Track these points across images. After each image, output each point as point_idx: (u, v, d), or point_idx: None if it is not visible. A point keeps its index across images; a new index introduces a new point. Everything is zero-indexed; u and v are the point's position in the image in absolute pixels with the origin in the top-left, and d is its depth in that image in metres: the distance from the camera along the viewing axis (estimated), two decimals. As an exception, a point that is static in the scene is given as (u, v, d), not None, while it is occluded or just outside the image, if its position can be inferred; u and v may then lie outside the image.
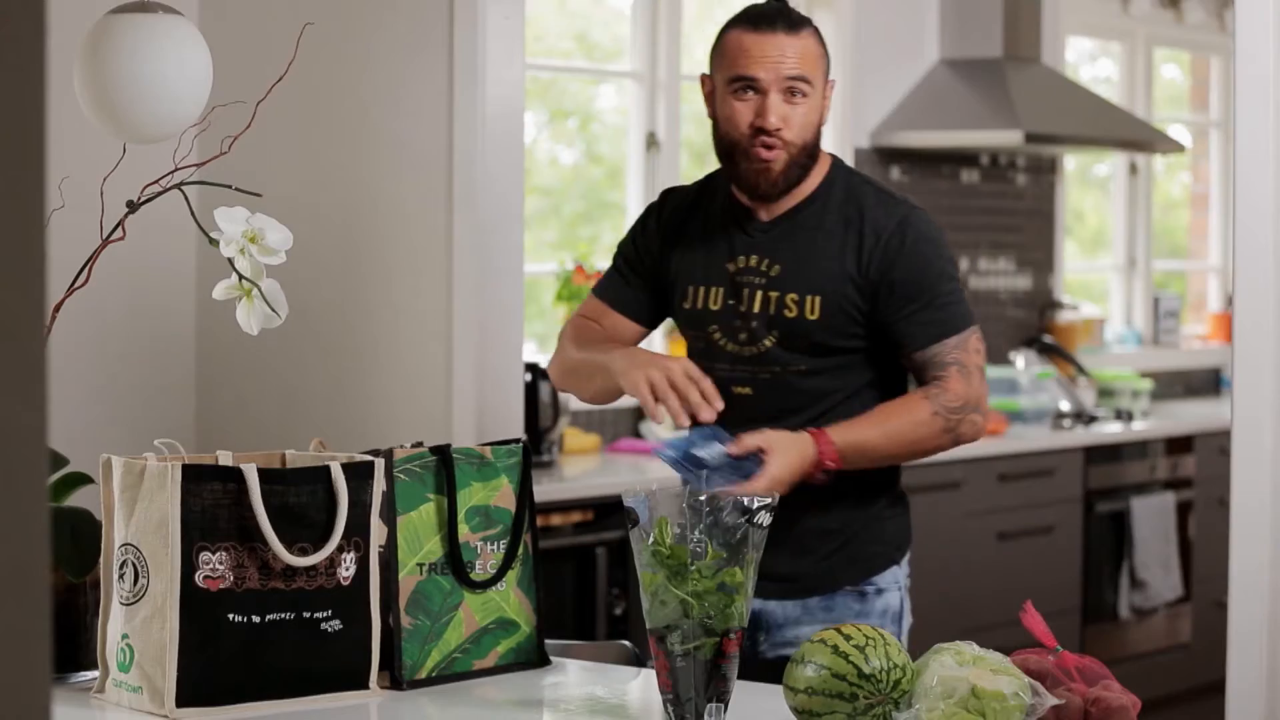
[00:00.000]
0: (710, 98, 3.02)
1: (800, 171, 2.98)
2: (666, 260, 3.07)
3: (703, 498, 2.43)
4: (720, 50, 2.99)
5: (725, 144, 2.99)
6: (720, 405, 2.88)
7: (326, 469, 2.58)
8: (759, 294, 2.98)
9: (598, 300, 3.17)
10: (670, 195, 3.17)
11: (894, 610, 3.02)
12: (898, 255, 2.96)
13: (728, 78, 2.96)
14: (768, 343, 2.96)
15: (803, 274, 2.97)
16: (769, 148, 2.93)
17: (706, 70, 3.05)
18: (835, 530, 2.98)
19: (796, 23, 2.96)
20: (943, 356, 2.95)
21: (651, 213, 3.14)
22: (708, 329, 3.01)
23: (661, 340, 5.69)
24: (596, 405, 3.40)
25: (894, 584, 3.03)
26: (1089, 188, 8.04)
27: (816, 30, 3.00)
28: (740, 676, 2.61)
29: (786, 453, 2.84)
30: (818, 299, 2.95)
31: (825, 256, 2.97)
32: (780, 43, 2.93)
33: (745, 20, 2.97)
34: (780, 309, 2.96)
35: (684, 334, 3.10)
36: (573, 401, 5.39)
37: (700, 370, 2.88)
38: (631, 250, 3.14)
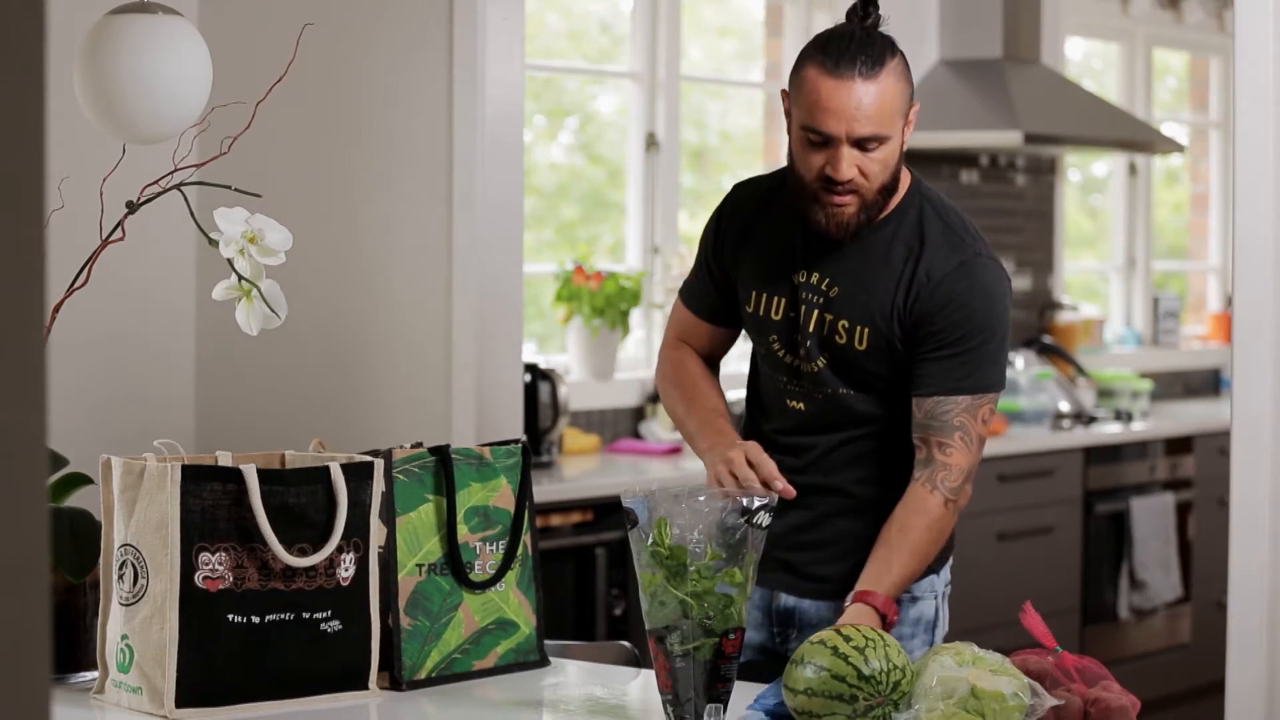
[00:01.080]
0: (789, 128, 2.91)
1: (875, 212, 2.87)
2: (736, 259, 3.02)
3: (701, 498, 2.43)
4: (797, 86, 2.84)
5: (796, 179, 2.88)
6: (781, 487, 2.80)
7: (326, 469, 2.58)
8: (815, 313, 2.92)
9: (683, 307, 3.12)
10: (743, 188, 3.08)
11: (928, 619, 2.98)
12: (946, 302, 2.85)
13: (800, 123, 2.83)
14: (820, 363, 2.91)
15: (858, 302, 2.89)
16: (841, 194, 2.82)
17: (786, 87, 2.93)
18: (873, 538, 2.93)
19: (876, 61, 2.78)
20: (950, 417, 2.86)
21: (725, 209, 3.05)
22: (768, 338, 2.96)
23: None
24: None
25: (930, 592, 2.99)
26: (1085, 190, 8.05)
27: (900, 62, 2.83)
28: (767, 670, 2.62)
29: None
30: (866, 331, 2.88)
31: (881, 289, 2.89)
32: (856, 95, 2.77)
33: (823, 58, 2.81)
34: (832, 333, 2.90)
35: (750, 336, 3.05)
36: (572, 402, 5.39)
37: (762, 454, 2.85)
38: (708, 250, 3.06)
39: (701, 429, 3.00)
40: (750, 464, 2.82)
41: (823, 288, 2.92)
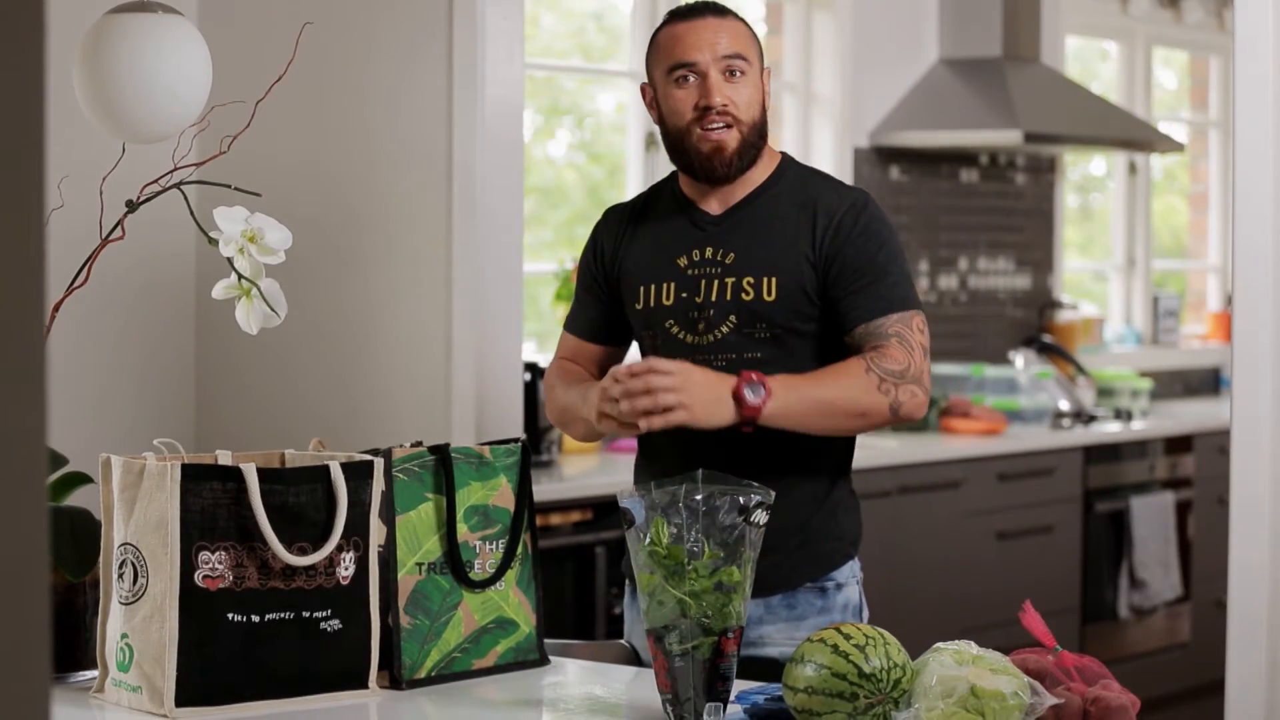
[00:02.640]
0: (654, 105, 3.07)
1: (754, 152, 3.02)
2: (619, 268, 3.10)
3: (699, 497, 2.43)
4: (655, 50, 3.06)
5: (674, 136, 3.03)
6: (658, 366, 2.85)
7: (326, 469, 2.59)
8: (715, 283, 3.00)
9: (569, 335, 3.20)
10: (612, 211, 3.21)
11: (854, 604, 3.03)
12: (850, 233, 2.98)
13: (666, 69, 3.01)
14: (724, 329, 2.98)
15: (757, 257, 3.00)
16: (719, 126, 2.97)
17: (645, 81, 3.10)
18: (793, 528, 2.98)
19: (723, 10, 3.04)
20: (884, 328, 2.94)
21: (599, 229, 3.18)
22: (664, 324, 3.03)
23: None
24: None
25: (852, 578, 3.04)
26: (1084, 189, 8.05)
27: (744, 19, 3.08)
28: None
29: (709, 369, 2.85)
30: (774, 280, 2.97)
31: (780, 239, 3.00)
32: (711, 25, 3.00)
33: (674, 17, 3.06)
34: (737, 293, 2.98)
35: (639, 335, 3.11)
36: (572, 401, 5.39)
37: (623, 367, 2.87)
38: (590, 269, 3.17)
39: (575, 397, 3.02)
40: (620, 377, 2.83)
41: (718, 259, 3.02)
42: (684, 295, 3.02)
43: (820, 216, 3.00)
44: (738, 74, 2.99)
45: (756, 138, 3.02)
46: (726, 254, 3.01)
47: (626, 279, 3.10)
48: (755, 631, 2.97)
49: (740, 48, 3.00)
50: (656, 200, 3.15)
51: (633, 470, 3.14)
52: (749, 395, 2.81)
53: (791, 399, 2.85)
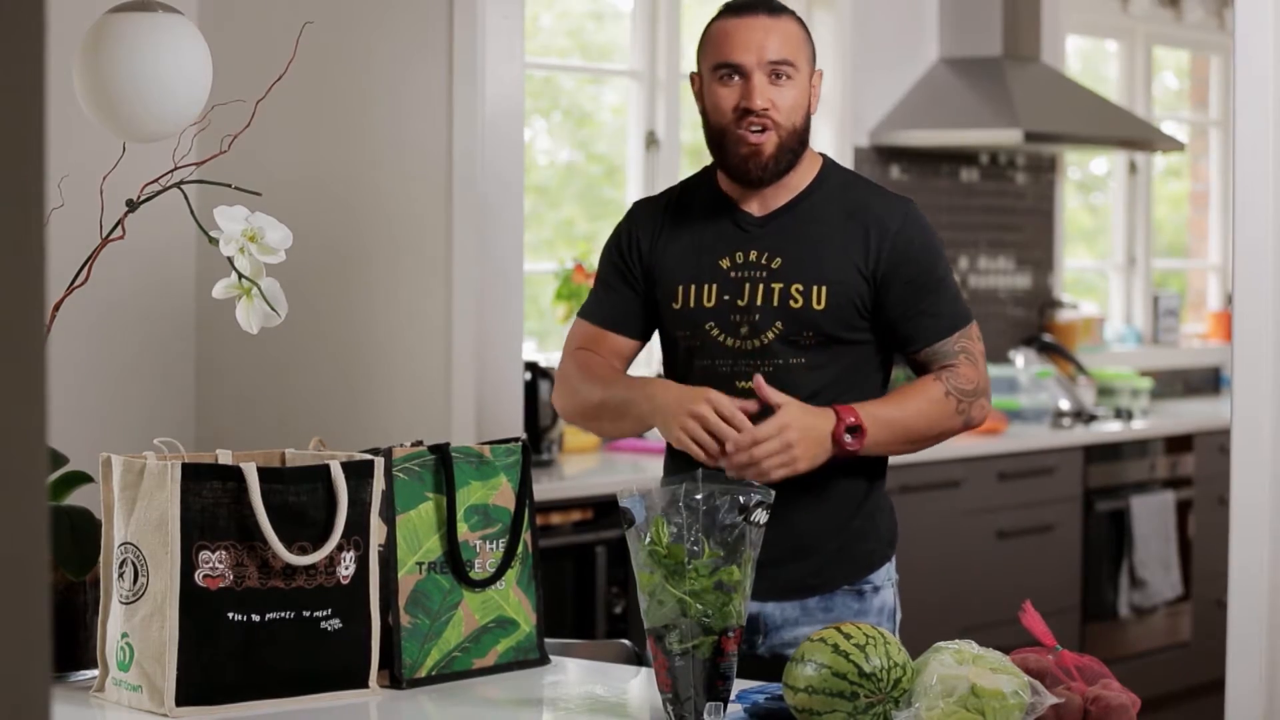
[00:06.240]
0: (700, 95, 3.03)
1: (791, 157, 2.98)
2: (653, 262, 3.06)
3: (699, 496, 2.43)
4: (704, 43, 3.02)
5: (715, 133, 2.99)
6: (753, 408, 2.90)
7: (326, 468, 2.59)
8: (761, 287, 2.97)
9: (589, 324, 3.12)
10: (645, 203, 3.16)
11: (889, 607, 3.03)
12: (906, 248, 2.97)
13: (712, 65, 2.98)
14: (769, 335, 2.96)
15: (807, 265, 2.97)
16: (758, 130, 2.94)
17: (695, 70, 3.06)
18: (832, 530, 2.98)
19: (777, 9, 2.99)
20: (951, 347, 2.99)
21: (630, 221, 3.12)
22: (704, 326, 2.99)
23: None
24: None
25: (888, 580, 3.04)
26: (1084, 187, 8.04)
27: (799, 19, 3.02)
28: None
29: (805, 411, 2.86)
30: (823, 289, 2.95)
31: (829, 248, 2.97)
32: (762, 25, 2.95)
33: (726, 11, 3.01)
34: (785, 300, 2.96)
35: (673, 335, 3.06)
36: (572, 400, 5.39)
37: (724, 398, 2.88)
38: (617, 261, 3.10)
39: (635, 392, 2.99)
40: (721, 416, 2.86)
41: (763, 262, 2.99)
42: (726, 298, 2.99)
43: (873, 227, 2.98)
44: (783, 78, 2.95)
45: (796, 143, 2.98)
46: (772, 258, 2.98)
47: (663, 276, 3.05)
48: (791, 633, 2.97)
49: (788, 52, 2.96)
50: (693, 196, 3.10)
51: (662, 468, 3.13)
52: (848, 440, 2.88)
53: (882, 437, 2.92)
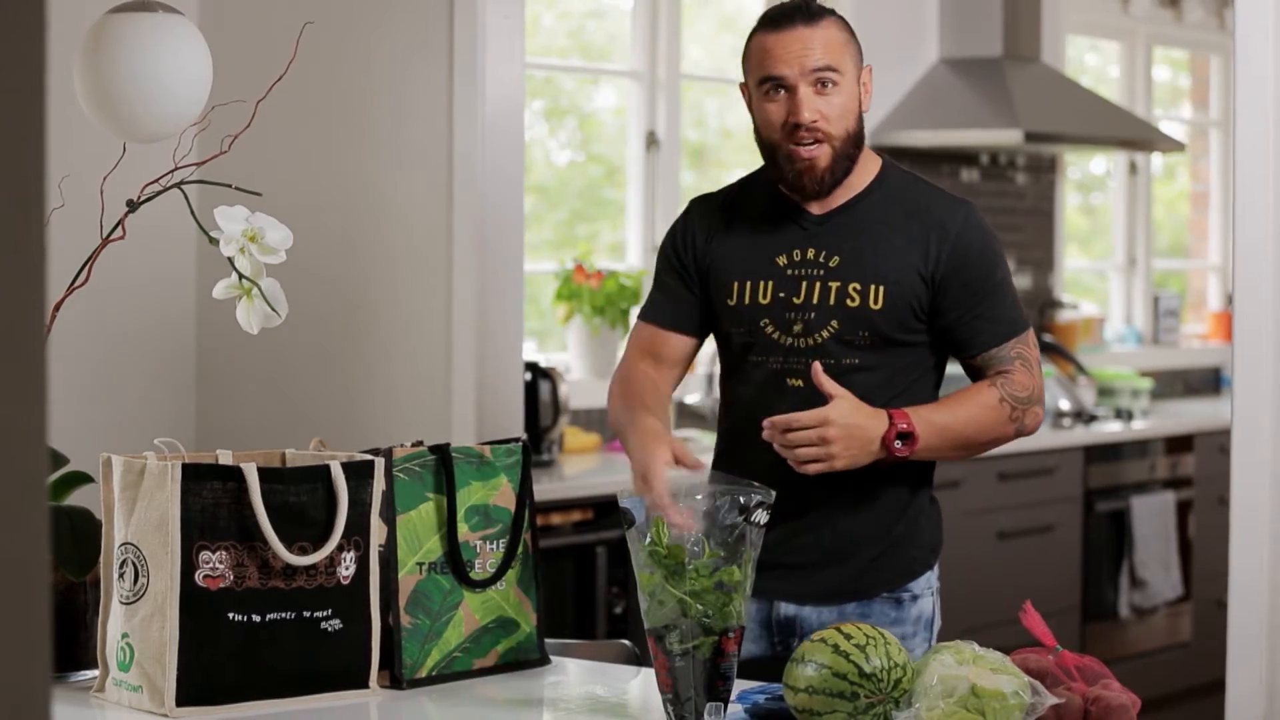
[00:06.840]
0: (750, 108, 3.00)
1: (848, 163, 2.95)
2: (710, 258, 3.03)
3: (699, 496, 2.43)
4: (747, 57, 2.98)
5: (766, 148, 2.96)
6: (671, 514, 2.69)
7: (326, 468, 2.59)
8: (818, 285, 2.95)
9: (647, 325, 3.11)
10: (702, 199, 3.14)
11: (926, 616, 2.99)
12: (968, 252, 2.95)
13: (756, 81, 2.94)
14: (825, 334, 2.93)
15: (865, 264, 2.94)
16: (810, 143, 2.91)
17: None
18: (874, 536, 2.96)
19: (815, 15, 2.94)
20: (1008, 352, 2.97)
21: (687, 217, 3.10)
22: (759, 323, 2.97)
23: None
24: None
25: (928, 589, 3.00)
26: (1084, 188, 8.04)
27: (840, 19, 2.98)
28: (768, 678, 2.62)
29: (856, 410, 2.82)
30: (881, 289, 2.93)
31: (888, 247, 2.95)
32: (801, 36, 2.91)
33: (765, 22, 2.96)
34: (842, 298, 2.93)
35: (727, 331, 3.04)
36: (572, 400, 5.39)
37: (656, 470, 2.81)
38: (672, 258, 3.08)
39: (632, 431, 2.97)
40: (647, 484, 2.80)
41: (821, 260, 2.96)
42: (781, 295, 2.97)
43: (934, 229, 2.95)
44: (829, 85, 2.91)
45: (850, 148, 2.95)
46: (830, 257, 2.96)
47: (718, 272, 3.03)
48: None
49: (831, 58, 2.91)
50: (751, 193, 3.07)
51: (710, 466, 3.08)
52: (898, 446, 2.84)
53: (934, 443, 2.89)
